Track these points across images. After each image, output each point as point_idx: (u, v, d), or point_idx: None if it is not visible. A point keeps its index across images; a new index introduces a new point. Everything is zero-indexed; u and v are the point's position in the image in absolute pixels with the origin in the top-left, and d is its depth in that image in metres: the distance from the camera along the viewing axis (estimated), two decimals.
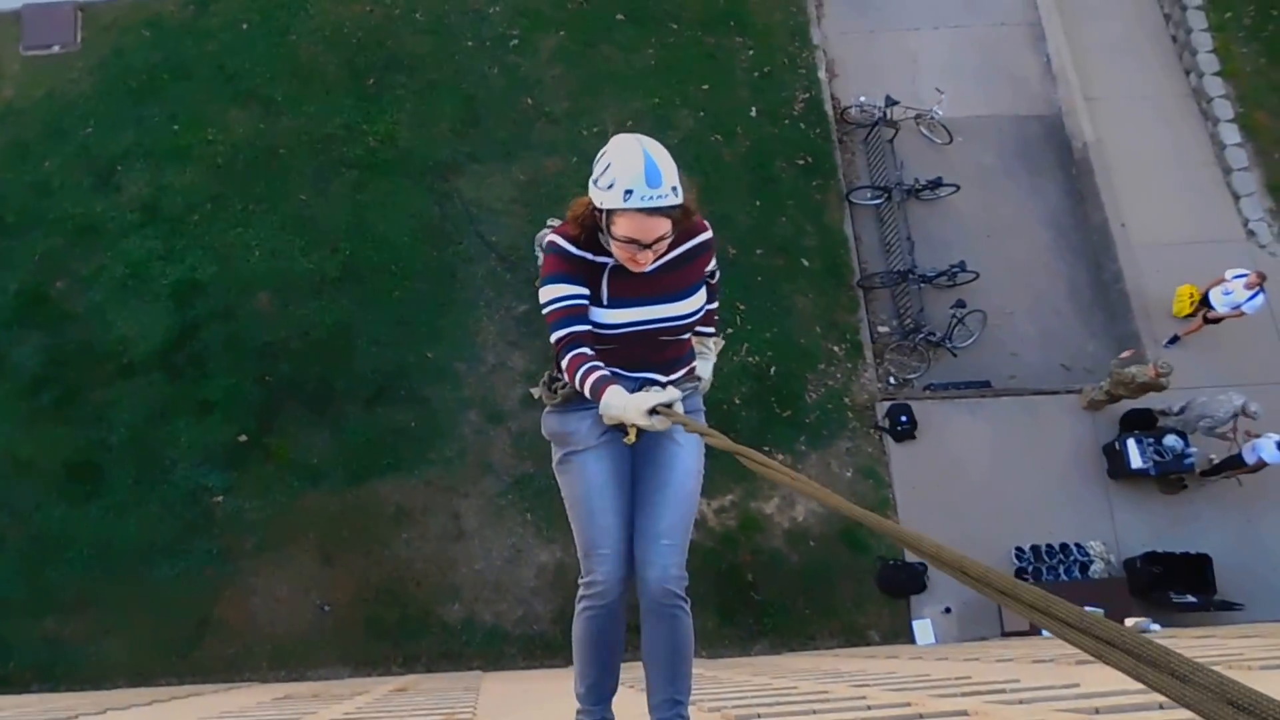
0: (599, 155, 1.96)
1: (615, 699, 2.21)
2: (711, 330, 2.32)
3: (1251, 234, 9.25)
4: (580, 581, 2.10)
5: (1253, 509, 8.41)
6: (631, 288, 2.02)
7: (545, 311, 2.05)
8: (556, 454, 2.16)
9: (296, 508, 8.01)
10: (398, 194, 8.99)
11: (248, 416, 8.28)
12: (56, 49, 9.26)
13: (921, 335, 8.75)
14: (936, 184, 9.08)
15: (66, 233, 8.79)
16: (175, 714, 4.79)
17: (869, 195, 9.25)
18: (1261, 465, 8.08)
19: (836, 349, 8.80)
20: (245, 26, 9.42)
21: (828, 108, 9.38)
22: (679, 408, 1.94)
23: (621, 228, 1.91)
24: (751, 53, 9.52)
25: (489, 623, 7.88)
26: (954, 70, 9.55)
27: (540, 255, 8.24)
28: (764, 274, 8.91)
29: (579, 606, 2.11)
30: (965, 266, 8.81)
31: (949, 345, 8.78)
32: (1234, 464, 8.29)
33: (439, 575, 7.95)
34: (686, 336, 2.15)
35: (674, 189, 1.91)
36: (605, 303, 2.03)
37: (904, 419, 8.54)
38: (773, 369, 8.70)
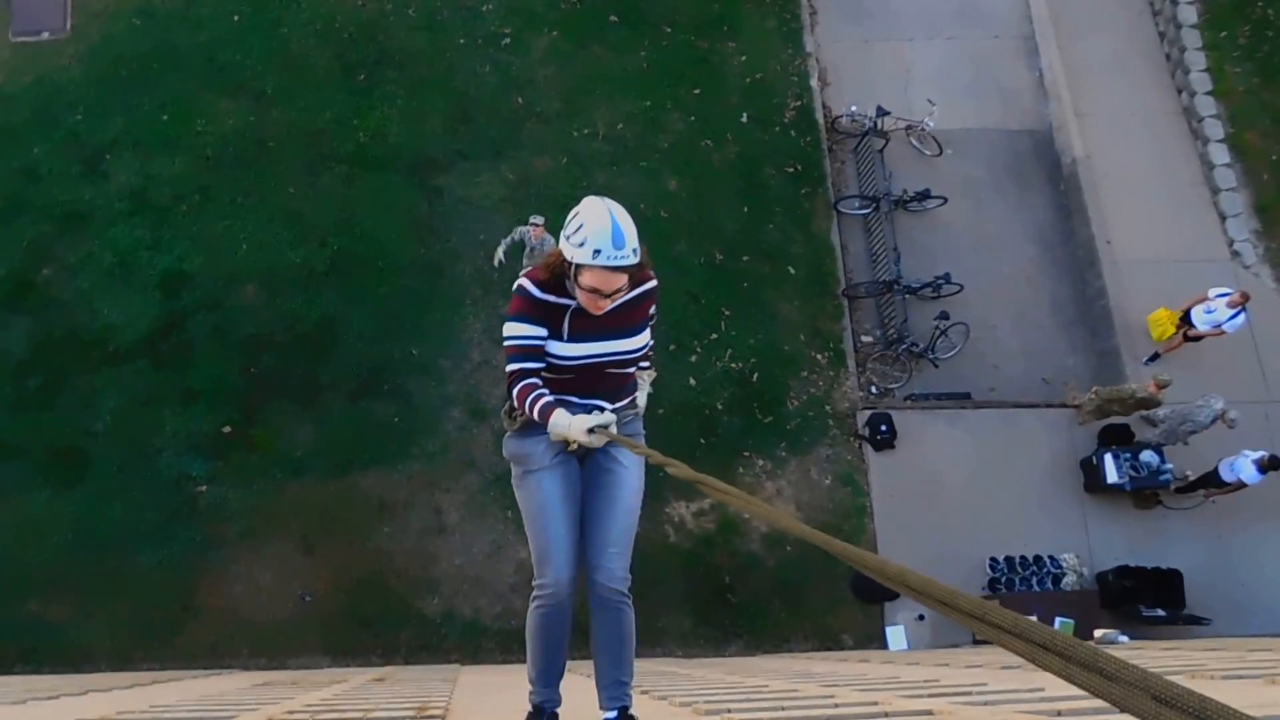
0: (572, 214, 2.33)
1: (563, 682, 2.63)
2: (647, 364, 2.71)
3: (1236, 254, 9.53)
4: (534, 583, 2.46)
5: (1224, 526, 8.67)
6: (589, 326, 2.40)
7: (505, 345, 2.43)
8: (516, 472, 2.54)
9: (279, 498, 8.24)
10: (387, 190, 9.21)
11: (232, 407, 8.51)
12: (46, 35, 9.44)
13: (904, 345, 8.99)
14: (925, 195, 9.31)
15: (54, 220, 8.99)
16: (155, 696, 4.98)
17: (857, 205, 9.48)
18: (1240, 485, 8.29)
19: (819, 357, 9.09)
20: (237, 18, 9.61)
21: (819, 116, 9.60)
22: (615, 429, 2.40)
23: (587, 279, 2.30)
24: (744, 58, 9.75)
25: (468, 617, 8.12)
26: (946, 82, 9.76)
27: (502, 249, 8.32)
28: (750, 280, 9.17)
29: (532, 604, 2.47)
30: (950, 278, 9.04)
31: (931, 356, 9.02)
32: (1210, 481, 8.53)
33: (419, 568, 8.18)
34: (631, 369, 2.55)
35: (634, 250, 2.29)
36: (566, 338, 2.40)
37: (884, 428, 8.81)
38: (755, 375, 8.97)
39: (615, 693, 2.49)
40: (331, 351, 8.76)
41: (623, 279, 2.31)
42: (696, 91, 9.59)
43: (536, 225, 8.16)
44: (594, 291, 2.31)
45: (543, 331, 2.39)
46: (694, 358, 9.01)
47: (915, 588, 1.08)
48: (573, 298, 2.37)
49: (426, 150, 9.33)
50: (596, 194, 2.39)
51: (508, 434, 2.54)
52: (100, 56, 9.43)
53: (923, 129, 9.48)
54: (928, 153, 9.64)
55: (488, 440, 8.56)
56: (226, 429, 8.50)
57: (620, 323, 2.43)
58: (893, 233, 9.27)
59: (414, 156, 9.30)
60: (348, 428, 8.51)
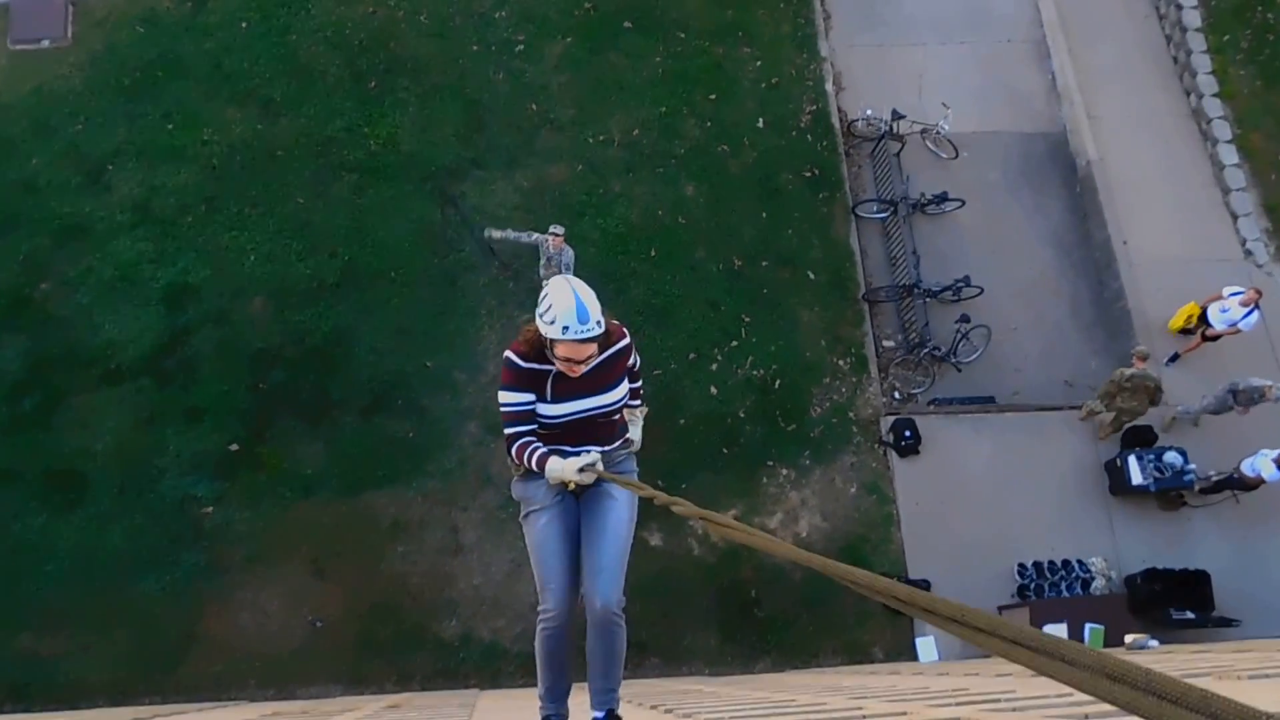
0: (543, 295, 2.58)
1: (571, 699, 2.84)
2: (638, 402, 2.98)
3: (1249, 253, 9.24)
4: (537, 609, 2.70)
5: (1251, 526, 8.34)
6: (569, 387, 2.64)
7: (501, 411, 2.71)
8: (522, 511, 2.80)
9: (289, 519, 7.70)
10: (399, 199, 8.70)
11: (239, 425, 7.95)
12: (46, 43, 8.86)
13: (926, 350, 8.61)
14: (942, 199, 8.96)
15: (53, 233, 8.39)
16: None
17: (875, 209, 9.11)
18: (1260, 483, 7.98)
19: (841, 363, 8.63)
20: (244, 25, 9.08)
21: (835, 120, 9.22)
22: (602, 467, 2.65)
23: (560, 350, 2.55)
24: (759, 64, 9.35)
25: (486, 640, 7.61)
26: (960, 85, 9.44)
27: (495, 235, 7.94)
28: (769, 286, 8.72)
29: (537, 628, 2.71)
30: (970, 281, 8.70)
31: (953, 360, 8.65)
32: (1233, 482, 8.21)
33: (436, 590, 7.68)
34: (617, 418, 2.78)
35: (598, 323, 2.54)
36: (550, 399, 2.64)
37: (908, 434, 8.39)
38: (777, 382, 8.50)
39: (604, 698, 2.77)
40: (342, 366, 8.21)
41: (591, 348, 2.56)
42: (712, 97, 9.17)
43: (557, 235, 7.71)
44: (567, 359, 2.55)
45: (530, 397, 2.64)
46: (714, 366, 8.50)
47: (908, 600, 1.07)
48: (553, 364, 2.61)
49: (439, 158, 8.83)
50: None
51: (514, 479, 2.81)
52: (102, 65, 8.85)
53: (938, 132, 9.12)
54: (943, 156, 9.26)
55: (504, 455, 7.94)
56: (233, 447, 7.86)
57: (599, 381, 2.66)
58: (911, 236, 8.86)
59: (426, 165, 8.79)
60: (360, 445, 7.97)
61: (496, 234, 8.02)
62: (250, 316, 8.27)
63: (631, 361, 2.80)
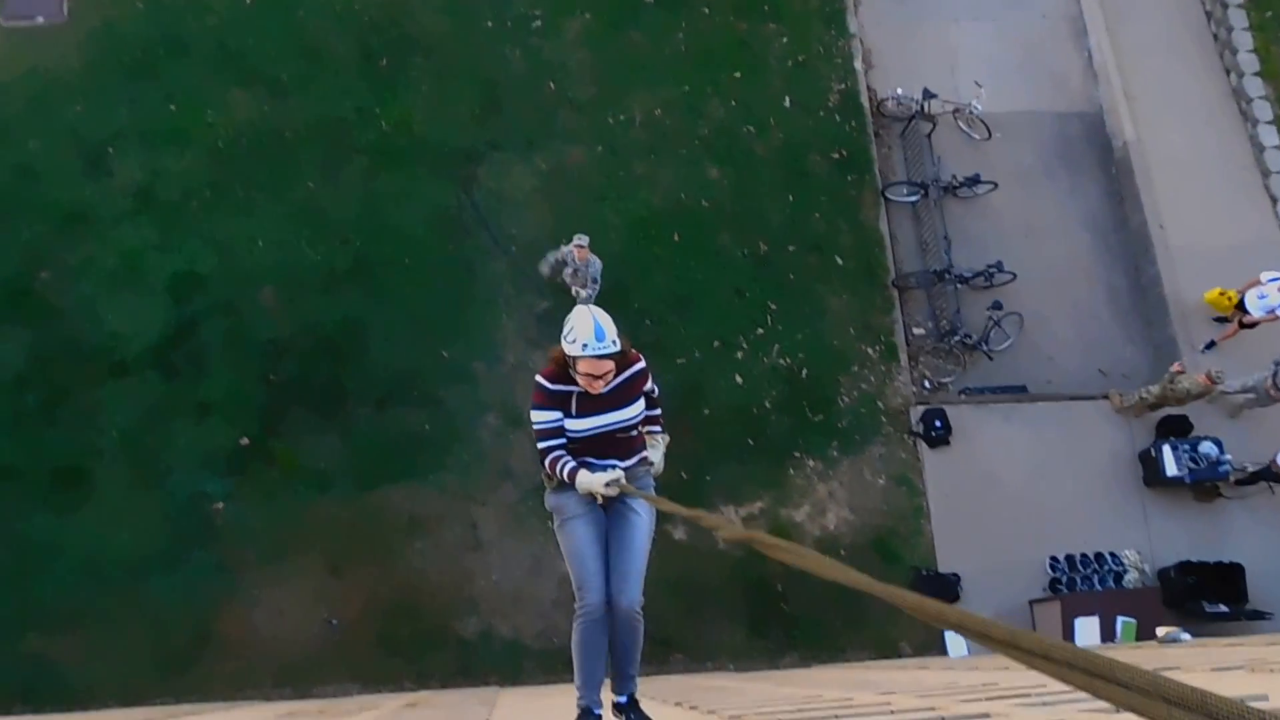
0: (566, 321, 2.93)
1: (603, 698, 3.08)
2: (659, 428, 3.25)
3: None
4: (575, 605, 3.01)
5: None
6: (592, 405, 2.98)
7: (533, 429, 3.04)
8: (556, 520, 3.09)
9: (303, 516, 7.32)
10: (412, 183, 8.17)
11: (250, 419, 7.51)
12: (41, 21, 8.23)
13: (957, 338, 8.20)
14: (974, 181, 8.47)
15: (52, 220, 7.87)
16: None
17: (905, 191, 8.62)
18: None
19: (870, 351, 8.14)
20: (249, 1, 8.46)
21: (864, 99, 8.68)
22: (626, 482, 2.98)
23: (582, 367, 2.89)
24: (785, 40, 8.77)
25: (507, 637, 7.28)
26: (993, 64, 8.91)
27: (546, 270, 7.64)
28: (796, 272, 8.23)
29: (575, 622, 3.00)
30: (1002, 267, 8.25)
31: (985, 348, 8.23)
32: (1269, 473, 7.84)
33: (454, 587, 7.33)
34: (635, 433, 3.08)
35: (613, 341, 2.87)
36: (575, 415, 2.98)
37: (938, 424, 7.97)
38: (804, 371, 8.03)
39: (626, 684, 3.08)
40: (356, 357, 7.77)
41: (609, 364, 2.88)
42: (737, 76, 8.61)
43: (581, 246, 7.27)
44: (588, 375, 2.88)
45: (558, 414, 2.98)
46: (740, 354, 8.01)
47: (961, 624, 1.07)
48: (576, 384, 2.94)
49: (454, 141, 8.29)
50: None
51: (547, 491, 3.10)
52: (100, 43, 8.26)
53: (970, 112, 8.57)
54: (976, 136, 8.73)
55: (525, 448, 7.49)
56: (244, 442, 7.38)
57: (617, 400, 2.99)
58: (942, 220, 8.34)
59: (441, 147, 8.26)
60: (375, 438, 7.57)
61: (544, 266, 7.60)
62: (259, 306, 7.78)
63: (649, 387, 3.10)
